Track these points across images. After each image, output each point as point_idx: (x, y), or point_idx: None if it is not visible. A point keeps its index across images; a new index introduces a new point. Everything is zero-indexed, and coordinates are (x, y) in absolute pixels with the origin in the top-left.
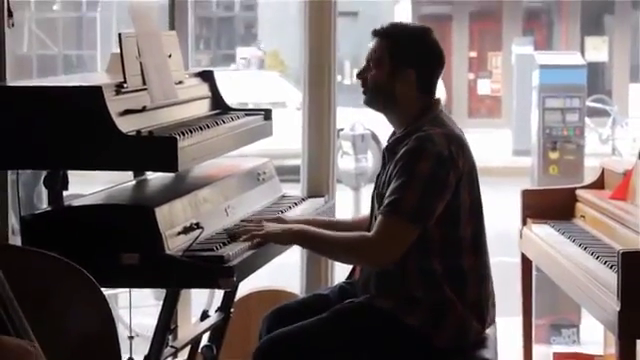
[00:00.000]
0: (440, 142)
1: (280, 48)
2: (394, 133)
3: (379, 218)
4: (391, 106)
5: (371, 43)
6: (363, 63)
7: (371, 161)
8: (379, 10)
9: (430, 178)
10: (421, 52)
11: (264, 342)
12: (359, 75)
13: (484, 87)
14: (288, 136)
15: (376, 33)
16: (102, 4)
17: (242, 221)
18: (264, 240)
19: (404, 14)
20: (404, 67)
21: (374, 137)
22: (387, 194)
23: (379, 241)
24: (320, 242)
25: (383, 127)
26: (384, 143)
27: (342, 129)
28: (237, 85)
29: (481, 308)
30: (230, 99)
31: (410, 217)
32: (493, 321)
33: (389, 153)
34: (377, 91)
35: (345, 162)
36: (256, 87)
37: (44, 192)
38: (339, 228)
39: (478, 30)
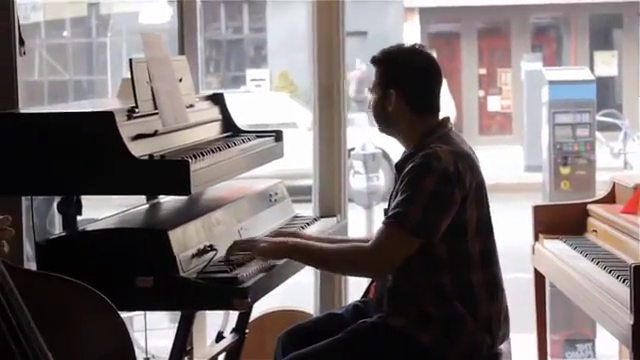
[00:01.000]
0: (446, 159)
1: (290, 69)
2: (405, 151)
3: (379, 227)
4: (391, 128)
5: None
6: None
7: (382, 180)
8: (388, 30)
9: (434, 194)
10: (403, 73)
11: None
12: (368, 106)
13: (494, 104)
14: (299, 156)
15: (372, 61)
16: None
17: (235, 242)
18: (261, 257)
19: (413, 33)
20: (388, 89)
21: (385, 156)
22: (391, 207)
23: (375, 250)
24: (315, 254)
25: (394, 146)
26: (395, 161)
27: (353, 148)
28: (248, 107)
29: (493, 323)
30: (241, 121)
31: (411, 230)
32: (507, 336)
33: (398, 170)
34: (375, 115)
35: (357, 181)
36: (267, 108)
37: (57, 217)
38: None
39: (487, 47)
